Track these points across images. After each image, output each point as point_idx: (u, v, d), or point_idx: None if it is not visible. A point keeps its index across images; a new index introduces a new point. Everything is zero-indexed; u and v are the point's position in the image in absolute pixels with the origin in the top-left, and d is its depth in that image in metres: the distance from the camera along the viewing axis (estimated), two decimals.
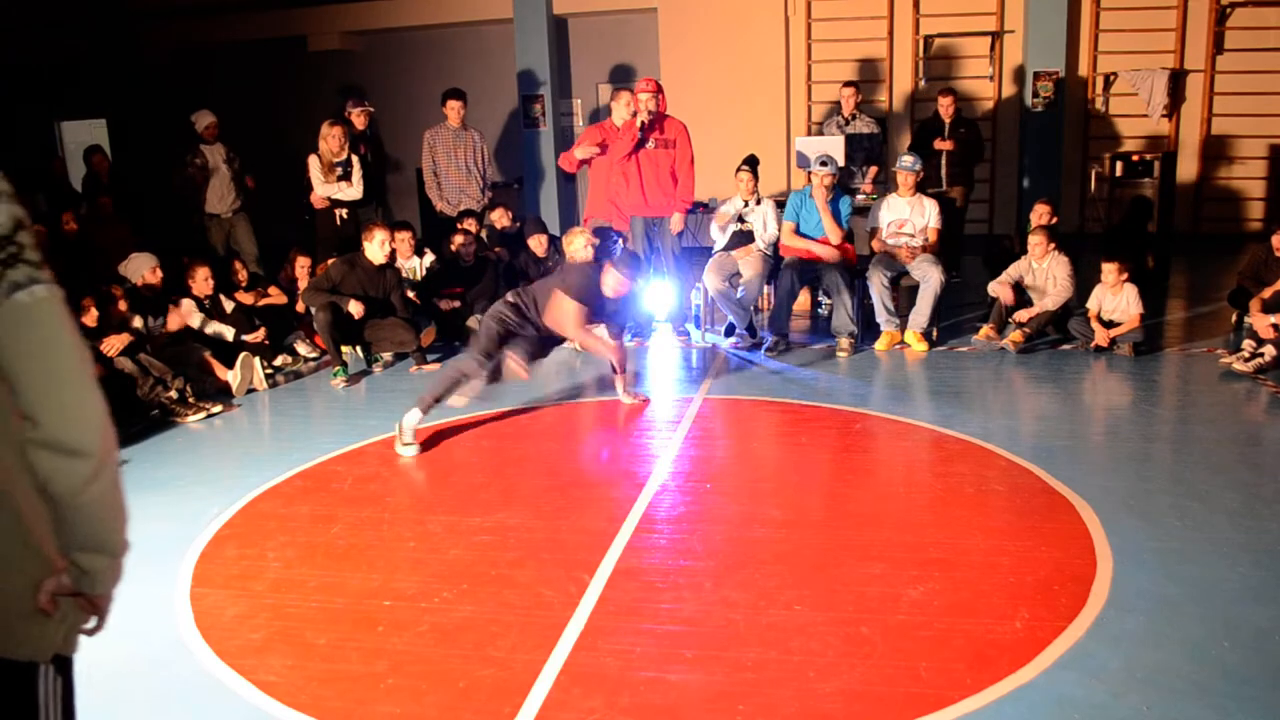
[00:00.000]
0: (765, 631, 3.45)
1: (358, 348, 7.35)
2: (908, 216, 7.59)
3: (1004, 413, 6.01)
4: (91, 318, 6.30)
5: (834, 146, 8.68)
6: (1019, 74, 11.69)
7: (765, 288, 7.68)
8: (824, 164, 7.39)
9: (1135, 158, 10.00)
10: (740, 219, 7.82)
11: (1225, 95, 11.41)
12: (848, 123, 9.56)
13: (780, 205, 7.86)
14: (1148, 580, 3.71)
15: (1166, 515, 4.27)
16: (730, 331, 7.76)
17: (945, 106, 9.54)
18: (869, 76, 12.14)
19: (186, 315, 6.94)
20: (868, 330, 7.61)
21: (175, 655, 3.46)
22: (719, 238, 7.88)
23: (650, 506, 4.59)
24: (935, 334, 7.46)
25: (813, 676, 3.16)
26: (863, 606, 3.59)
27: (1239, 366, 6.41)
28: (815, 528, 4.33)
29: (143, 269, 6.96)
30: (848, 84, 9.78)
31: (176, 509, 4.78)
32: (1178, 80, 11.45)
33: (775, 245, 7.70)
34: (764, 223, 7.76)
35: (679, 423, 5.86)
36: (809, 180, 7.65)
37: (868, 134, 9.59)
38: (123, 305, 6.47)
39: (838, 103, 9.89)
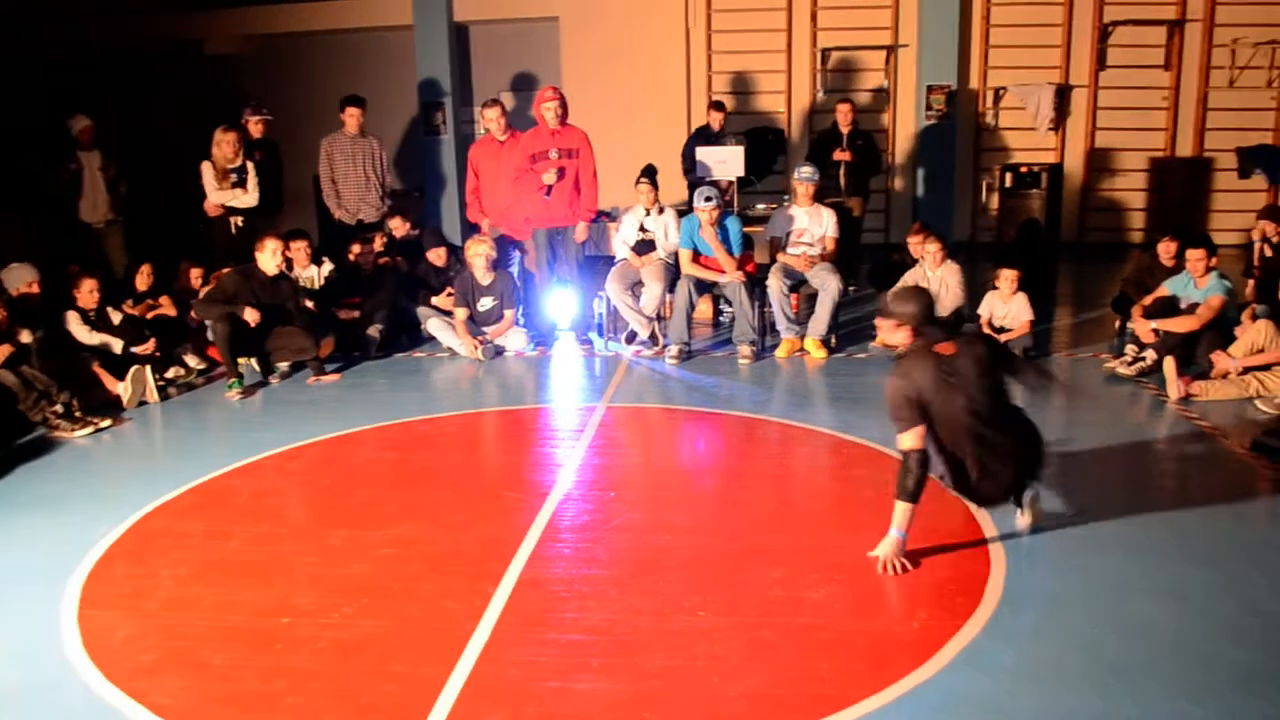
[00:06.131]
0: (670, 638, 3.47)
1: (254, 360, 7.18)
2: (806, 226, 7.71)
3: None
4: None
5: (733, 157, 8.77)
6: (913, 87, 11.97)
7: (667, 296, 7.72)
8: (708, 199, 7.42)
9: (1024, 169, 10.32)
10: (642, 228, 7.87)
11: (1108, 110, 11.85)
12: (718, 139, 9.59)
13: (682, 214, 7.92)
14: (1039, 578, 3.83)
15: (1056, 515, 4.41)
16: (632, 339, 7.79)
17: (844, 114, 9.66)
18: (768, 88, 12.32)
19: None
20: (769, 338, 7.72)
21: (63, 679, 3.34)
22: (621, 248, 7.92)
23: (554, 516, 4.58)
24: (834, 341, 7.58)
25: (717, 681, 3.19)
26: (765, 610, 3.64)
27: (1123, 370, 6.66)
28: (718, 533, 4.37)
29: (19, 281, 6.72)
30: (714, 105, 9.84)
31: (63, 528, 4.61)
32: (1063, 95, 11.86)
33: (677, 254, 7.74)
34: (665, 232, 7.82)
35: (582, 431, 5.86)
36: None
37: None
38: (1, 314, 6.22)
39: (708, 125, 9.96)
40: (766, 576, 3.91)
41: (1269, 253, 7.78)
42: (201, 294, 7.50)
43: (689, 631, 3.51)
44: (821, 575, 3.90)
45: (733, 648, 3.39)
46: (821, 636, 3.45)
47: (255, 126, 8.67)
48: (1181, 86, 11.70)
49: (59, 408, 6.04)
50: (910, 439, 3.93)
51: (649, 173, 8.00)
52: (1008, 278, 7.29)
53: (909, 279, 7.56)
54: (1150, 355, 6.60)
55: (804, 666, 3.26)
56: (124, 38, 12.97)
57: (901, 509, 3.92)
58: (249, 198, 8.29)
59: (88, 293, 6.83)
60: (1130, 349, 6.80)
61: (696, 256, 7.57)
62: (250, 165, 8.31)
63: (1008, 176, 10.36)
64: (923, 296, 4.22)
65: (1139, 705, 3.00)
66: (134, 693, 3.22)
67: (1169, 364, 6.19)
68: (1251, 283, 7.64)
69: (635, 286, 7.76)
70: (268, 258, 7.01)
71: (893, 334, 4.22)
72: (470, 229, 8.82)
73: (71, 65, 12.71)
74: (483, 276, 7.71)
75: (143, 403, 6.59)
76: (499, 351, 7.71)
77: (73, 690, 3.27)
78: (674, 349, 7.40)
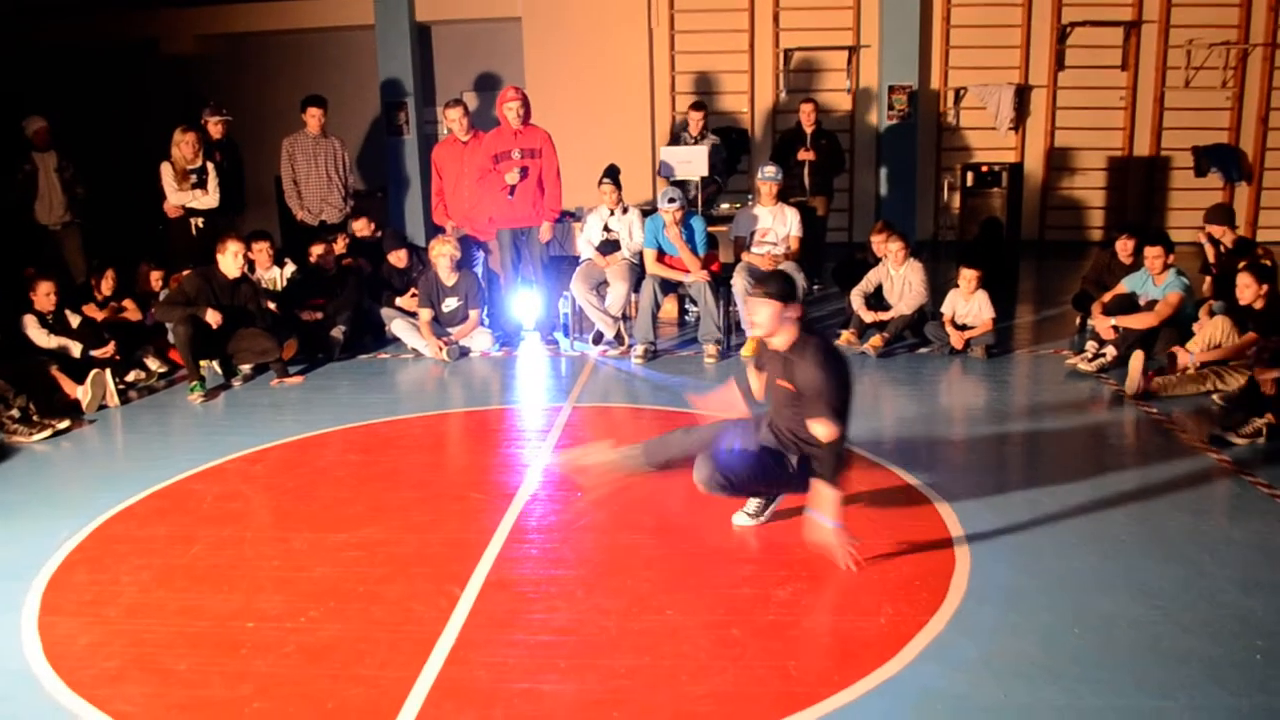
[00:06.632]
0: (638, 638, 3.47)
1: (215, 362, 7.10)
2: (770, 225, 7.75)
3: (865, 415, 6.16)
4: None
5: (697, 156, 8.79)
6: (875, 87, 12.05)
7: (632, 296, 7.73)
8: (672, 200, 7.44)
9: (984, 168, 10.43)
10: (606, 228, 7.87)
11: (1066, 109, 12.01)
12: (696, 141, 9.61)
13: (646, 214, 7.93)
14: (1003, 573, 3.87)
15: (1019, 509, 4.45)
16: (598, 339, 7.79)
17: (807, 114, 9.70)
18: (731, 88, 12.36)
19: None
20: (734, 337, 7.74)
21: (23, 688, 3.28)
22: (586, 248, 7.92)
23: (521, 516, 4.57)
24: None
25: (685, 680, 3.19)
26: (732, 609, 3.65)
27: (1083, 366, 6.74)
28: (685, 532, 4.37)
29: None
30: (695, 105, 9.84)
31: (22, 534, 4.54)
32: (1023, 94, 12.00)
33: (641, 253, 7.75)
34: (629, 232, 7.82)
35: (549, 431, 5.85)
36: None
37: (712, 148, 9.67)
38: None
39: (685, 122, 9.94)
40: (733, 575, 3.92)
41: (1224, 249, 7.89)
42: (162, 296, 7.42)
43: (656, 631, 3.51)
44: (788, 572, 3.91)
45: (700, 646, 3.40)
46: (788, 634, 3.46)
47: (215, 127, 8.59)
48: (1139, 87, 11.88)
49: (15, 412, 5.94)
50: (840, 426, 3.98)
51: (611, 173, 8.00)
52: (968, 277, 7.36)
53: (872, 278, 7.62)
54: (1110, 351, 6.69)
55: (771, 664, 3.27)
56: (80, 37, 12.79)
57: (834, 497, 3.87)
58: (209, 199, 8.22)
59: (44, 295, 6.74)
60: (1090, 345, 6.89)
61: (661, 256, 7.58)
62: (210, 166, 8.24)
63: (969, 176, 10.46)
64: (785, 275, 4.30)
65: (1104, 698, 3.04)
66: (96, 700, 3.18)
67: (1137, 357, 6.25)
68: (1209, 279, 7.76)
69: (600, 286, 7.76)
70: (229, 260, 6.93)
71: (785, 326, 4.14)
72: (436, 229, 8.78)
73: (27, 65, 12.52)
74: (447, 277, 7.67)
75: (103, 406, 6.51)
76: (464, 352, 7.68)
77: (33, 699, 3.22)
78: (639, 349, 7.40)
